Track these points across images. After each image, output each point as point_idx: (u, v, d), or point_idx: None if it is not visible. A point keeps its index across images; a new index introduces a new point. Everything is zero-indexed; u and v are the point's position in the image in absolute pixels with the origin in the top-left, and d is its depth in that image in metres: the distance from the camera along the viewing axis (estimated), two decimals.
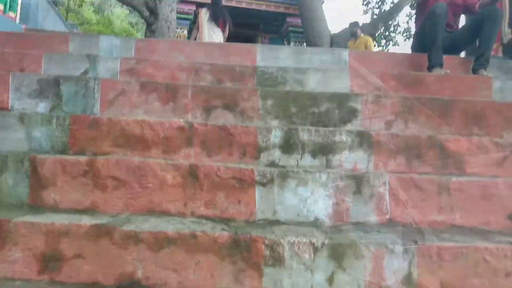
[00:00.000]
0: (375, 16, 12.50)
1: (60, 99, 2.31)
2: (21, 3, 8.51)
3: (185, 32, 8.41)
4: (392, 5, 11.82)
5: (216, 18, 6.25)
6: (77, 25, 13.06)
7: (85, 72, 2.69)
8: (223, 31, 6.44)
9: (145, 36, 7.20)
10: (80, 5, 14.87)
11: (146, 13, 6.98)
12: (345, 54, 3.10)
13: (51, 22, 9.90)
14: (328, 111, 2.35)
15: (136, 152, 1.98)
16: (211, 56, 3.10)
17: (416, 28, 3.42)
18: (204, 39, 6.01)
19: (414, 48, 3.37)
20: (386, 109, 2.37)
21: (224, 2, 8.51)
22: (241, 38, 10.20)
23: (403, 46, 16.66)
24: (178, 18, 8.31)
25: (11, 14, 3.94)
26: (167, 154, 1.98)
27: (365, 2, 12.37)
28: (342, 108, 2.35)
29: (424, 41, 3.07)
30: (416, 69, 3.11)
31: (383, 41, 12.97)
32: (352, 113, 2.35)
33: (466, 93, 2.67)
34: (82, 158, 1.73)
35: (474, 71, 2.91)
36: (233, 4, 8.57)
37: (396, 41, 13.33)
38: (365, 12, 13.22)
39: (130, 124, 1.99)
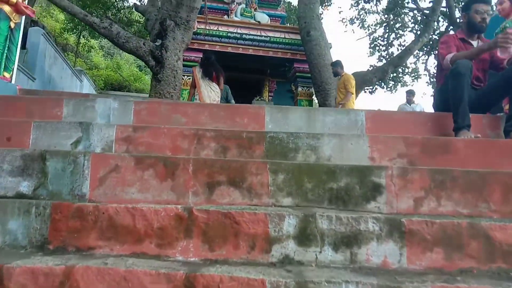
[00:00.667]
0: (382, 58, 12.48)
1: (46, 177, 2.05)
2: (28, 51, 8.58)
3: (192, 79, 8.31)
4: (401, 50, 11.83)
5: (209, 73, 6.51)
6: (85, 71, 13.16)
7: (77, 142, 2.45)
8: (218, 84, 6.67)
9: (151, 85, 7.09)
10: (89, 50, 15.09)
11: (152, 62, 6.90)
12: (361, 114, 2.85)
13: (58, 69, 9.94)
14: (348, 186, 2.06)
15: (126, 246, 1.69)
16: (216, 118, 2.87)
17: (437, 84, 3.18)
18: (203, 97, 6.28)
19: (437, 106, 3.12)
20: (415, 184, 2.08)
21: (231, 50, 8.50)
22: (248, 83, 10.14)
23: (411, 86, 16.53)
24: (185, 65, 8.25)
25: (6, 74, 3.78)
26: (162, 249, 1.69)
27: (372, 45, 12.37)
28: (364, 183, 2.06)
29: (447, 100, 2.82)
30: (441, 131, 2.84)
31: (391, 83, 12.87)
32: (376, 189, 2.06)
33: (500, 162, 2.37)
34: (58, 266, 1.44)
35: (506, 133, 2.63)
36: (240, 50, 8.52)
37: (405, 81, 13.22)
38: (372, 53, 13.23)
39: (120, 213, 1.72)
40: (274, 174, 2.07)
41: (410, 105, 8.20)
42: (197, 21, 8.14)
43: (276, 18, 10.53)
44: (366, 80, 8.10)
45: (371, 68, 12.29)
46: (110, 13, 14.20)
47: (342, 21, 15.37)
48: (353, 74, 8.31)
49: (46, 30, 14.09)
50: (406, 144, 2.46)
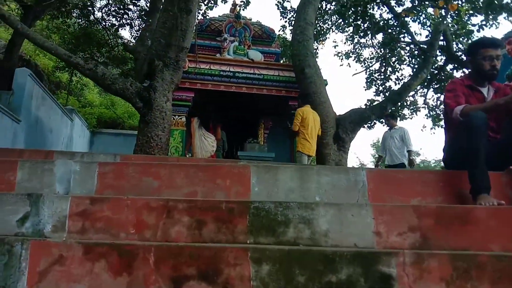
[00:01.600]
0: (379, 93, 12.26)
1: None
2: (14, 93, 8.29)
3: (184, 119, 8.00)
4: (398, 83, 11.61)
5: (206, 124, 6.84)
6: (77, 110, 12.87)
7: (25, 218, 2.04)
8: (215, 134, 6.97)
9: (139, 127, 6.75)
10: (82, 88, 14.88)
11: (139, 104, 6.59)
12: (362, 174, 2.46)
13: (47, 109, 9.64)
14: (350, 279, 1.65)
15: None
16: (194, 181, 2.48)
17: (446, 136, 2.80)
18: (195, 147, 6.59)
19: (449, 162, 2.73)
20: (433, 273, 1.67)
21: (223, 88, 8.24)
22: (243, 121, 9.84)
23: (410, 119, 16.26)
24: (176, 105, 7.96)
25: None
26: None
27: (368, 80, 12.19)
28: (370, 274, 1.65)
29: (460, 156, 2.44)
30: (455, 192, 2.45)
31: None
32: (385, 281, 1.64)
33: None
34: None
35: None
36: (233, 89, 8.25)
37: (404, 115, 12.93)
38: (368, 87, 13.02)
39: None
40: (257, 264, 1.66)
41: (390, 130, 7.85)
42: (188, 60, 7.92)
43: (270, 55, 10.35)
44: (364, 118, 7.77)
45: (368, 102, 12.08)
46: (104, 50, 14.12)
47: (337, 55, 15.28)
48: (350, 111, 8.02)
49: (38, 68, 13.94)
50: (417, 214, 2.06)
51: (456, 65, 9.13)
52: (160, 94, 6.61)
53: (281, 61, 18.91)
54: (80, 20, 13.23)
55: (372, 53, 14.22)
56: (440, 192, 2.46)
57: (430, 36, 9.07)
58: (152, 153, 6.48)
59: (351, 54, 14.61)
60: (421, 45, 8.98)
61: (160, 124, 6.56)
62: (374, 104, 8.03)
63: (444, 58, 9.18)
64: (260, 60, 8.83)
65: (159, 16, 7.15)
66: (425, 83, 10.99)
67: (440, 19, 7.93)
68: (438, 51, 9.12)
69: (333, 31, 16.79)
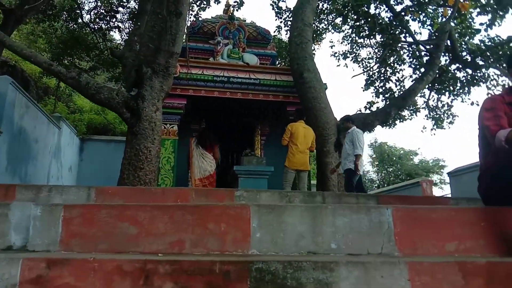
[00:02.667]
0: (379, 94, 11.84)
1: None
2: None
3: (175, 127, 7.54)
4: (398, 85, 11.18)
5: (203, 143, 6.77)
6: (65, 117, 12.35)
7: None
8: (213, 153, 6.85)
9: (127, 139, 6.28)
10: (70, 94, 14.36)
11: (127, 114, 6.12)
12: (387, 214, 2.02)
13: (31, 119, 9.13)
14: None
15: None
16: (180, 226, 2.02)
17: (482, 162, 2.35)
18: (193, 167, 6.61)
19: (489, 197, 2.28)
20: None
21: (217, 94, 7.78)
22: (238, 127, 9.38)
23: (410, 121, 15.80)
24: (167, 113, 7.50)
25: None
26: None
27: (368, 82, 11.77)
28: None
29: (504, 189, 2.01)
30: (500, 235, 2.01)
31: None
32: None
33: None
34: None
35: None
36: (228, 95, 7.81)
37: (403, 116, 12.50)
38: (366, 88, 12.59)
39: None
40: None
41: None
42: (180, 65, 7.46)
43: (266, 57, 9.90)
44: (367, 124, 7.36)
45: (368, 105, 11.67)
46: (93, 54, 13.61)
47: (334, 55, 14.85)
48: (352, 116, 7.59)
49: (25, 74, 13.41)
50: (463, 273, 1.62)
51: (460, 66, 8.74)
52: (149, 103, 6.15)
53: (277, 63, 18.53)
54: (67, 24, 12.70)
55: (370, 53, 13.84)
56: (482, 234, 2.02)
57: (433, 36, 8.67)
58: (141, 166, 6.03)
59: (348, 55, 14.20)
60: (424, 45, 8.58)
61: (149, 135, 6.10)
62: (377, 109, 7.60)
63: (448, 58, 8.78)
64: (256, 63, 8.38)
65: (148, 19, 6.69)
66: (428, 86, 10.60)
67: (445, 18, 7.53)
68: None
69: (329, 31, 16.41)
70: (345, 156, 6.42)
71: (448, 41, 7.99)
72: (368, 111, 11.54)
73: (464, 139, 57.86)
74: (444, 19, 8.36)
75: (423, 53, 9.93)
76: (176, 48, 6.23)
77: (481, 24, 7.69)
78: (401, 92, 10.80)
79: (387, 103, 8.24)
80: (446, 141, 54.53)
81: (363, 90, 13.01)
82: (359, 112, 10.43)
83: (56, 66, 6.11)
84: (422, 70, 10.37)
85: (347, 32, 14.37)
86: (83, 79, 6.03)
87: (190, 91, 7.60)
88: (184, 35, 6.49)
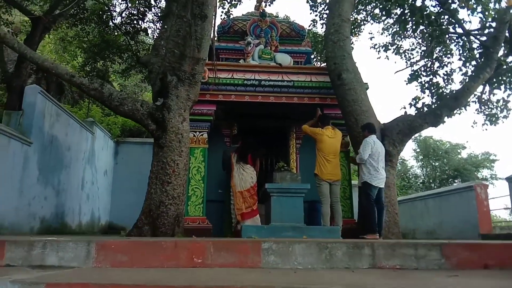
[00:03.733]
0: (425, 90, 10.91)
1: None
2: (24, 113, 7.69)
3: (205, 135, 7.13)
4: (446, 79, 10.21)
5: (244, 156, 6.77)
6: (100, 120, 12.29)
7: None
8: (254, 165, 6.85)
9: (153, 152, 5.93)
10: None
11: (152, 126, 5.76)
12: None
13: (62, 126, 9.04)
14: None
15: None
16: None
17: None
18: (234, 181, 6.67)
19: None
20: None
21: (248, 99, 7.30)
22: (271, 130, 8.86)
23: (458, 115, 14.54)
24: (196, 120, 7.11)
25: None
26: None
27: (412, 76, 10.85)
28: None
29: None
30: None
31: None
32: None
33: None
34: None
35: None
36: (259, 99, 7.30)
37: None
38: (410, 81, 11.65)
39: None
40: None
41: None
42: (208, 69, 7.02)
43: (301, 55, 9.28)
44: (414, 127, 6.63)
45: (413, 101, 10.79)
46: (126, 56, 13.48)
47: (374, 47, 13.93)
48: (398, 119, 6.89)
49: (59, 80, 13.49)
50: None
51: None
52: (175, 114, 5.76)
53: (313, 59, 17.77)
54: (99, 27, 12.58)
55: (414, 44, 12.83)
56: None
57: (485, 25, 7.73)
58: (169, 180, 5.68)
59: (389, 46, 13.25)
60: (477, 37, 7.68)
61: (176, 148, 5.72)
62: (426, 111, 6.84)
63: (506, 50, 7.80)
64: (289, 64, 7.80)
65: (173, 23, 6.27)
66: (473, 74, 9.58)
67: (503, 7, 6.62)
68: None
69: (368, 22, 15.46)
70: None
71: (507, 32, 7.06)
72: (413, 109, 10.70)
73: None
74: (499, 7, 7.41)
75: (474, 45, 8.96)
76: (202, 53, 5.79)
77: None
78: (453, 91, 9.88)
79: (438, 104, 7.42)
80: (497, 133, 50.92)
81: (406, 83, 12.10)
82: (403, 114, 9.62)
83: (78, 78, 5.83)
84: (474, 63, 9.41)
85: (388, 23, 13.45)
86: (106, 91, 5.73)
87: (220, 97, 7.16)
88: (211, 39, 6.03)
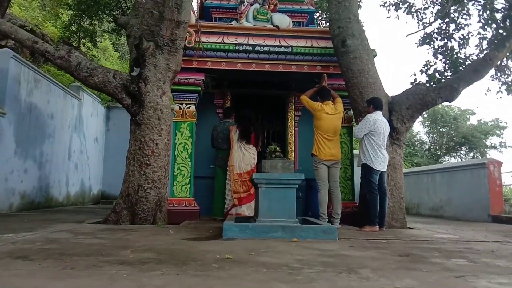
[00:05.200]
0: (437, 55, 9.98)
1: None
2: None
3: (193, 107, 6.41)
4: (462, 42, 9.27)
5: (247, 134, 6.07)
6: (83, 87, 11.53)
7: None
8: (256, 145, 6.18)
9: (130, 129, 5.27)
10: (92, 59, 13.45)
11: (127, 100, 5.07)
12: None
13: (43, 93, 8.34)
14: None
15: None
16: None
17: None
18: (233, 159, 6.01)
19: None
20: None
21: (241, 67, 6.50)
22: (268, 99, 8.10)
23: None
24: (182, 91, 6.38)
25: None
26: None
27: (425, 40, 9.91)
28: None
29: None
30: None
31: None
32: None
33: None
34: None
35: None
36: (253, 67, 6.49)
37: None
38: (421, 44, 10.69)
39: None
40: None
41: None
42: (195, 31, 6.18)
43: (303, 15, 8.34)
44: (426, 102, 5.86)
45: (425, 68, 9.94)
46: (116, 13, 12.48)
47: (384, 5, 12.79)
48: (407, 91, 6.13)
49: (46, 38, 12.59)
50: None
51: None
52: (153, 86, 5.04)
53: (318, 18, 16.55)
54: None
55: (427, 2, 11.70)
56: None
57: None
58: (148, 162, 5.06)
59: (401, 5, 12.13)
60: None
61: (155, 125, 5.06)
62: (441, 83, 6.02)
63: None
64: (288, 26, 6.91)
65: None
66: (496, 41, 8.64)
67: None
68: None
69: None
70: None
71: None
72: (424, 76, 9.85)
73: None
74: None
75: (498, 5, 7.96)
76: (184, 15, 4.98)
77: None
78: (468, 57, 8.98)
79: (455, 75, 6.56)
80: (508, 99, 49.48)
81: (417, 46, 11.13)
82: (415, 83, 8.80)
83: (41, 44, 5.07)
84: (494, 26, 8.43)
85: None
86: (74, 59, 4.98)
87: (209, 64, 6.35)
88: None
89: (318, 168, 5.50)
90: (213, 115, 7.60)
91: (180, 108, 6.35)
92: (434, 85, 7.37)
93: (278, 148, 4.55)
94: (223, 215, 6.02)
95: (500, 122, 20.95)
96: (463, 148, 21.37)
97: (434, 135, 21.89)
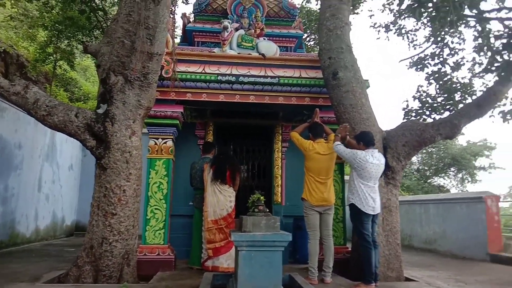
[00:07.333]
0: (431, 80, 9.62)
1: None
2: None
3: (170, 143, 5.83)
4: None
5: (221, 173, 5.34)
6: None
7: None
8: (233, 185, 5.43)
9: (95, 174, 4.65)
10: (67, 83, 12.82)
11: (91, 142, 4.46)
12: None
13: (9, 122, 7.69)
14: None
15: None
16: None
17: None
18: (208, 204, 5.31)
19: None
20: None
21: (223, 98, 5.97)
22: (255, 129, 7.57)
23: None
24: (157, 124, 5.81)
25: None
26: None
27: (417, 62, 9.56)
28: None
29: None
30: None
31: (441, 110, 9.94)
32: None
33: None
34: None
35: None
36: (237, 99, 5.97)
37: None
38: (412, 66, 10.32)
39: None
40: None
41: None
42: (174, 60, 5.65)
43: (291, 39, 7.90)
44: (424, 139, 5.40)
45: (418, 94, 9.60)
46: (95, 34, 11.93)
47: (373, 26, 12.51)
48: (403, 126, 5.64)
49: (21, 59, 11.94)
50: None
51: None
52: (122, 126, 4.46)
53: (306, 40, 16.19)
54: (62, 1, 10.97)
55: (418, 24, 11.41)
56: None
57: None
58: (113, 211, 4.45)
59: (391, 26, 11.84)
60: (485, 17, 6.37)
61: (122, 170, 4.46)
62: (441, 119, 5.57)
63: None
64: (275, 54, 6.43)
65: (122, 4, 4.87)
66: (493, 68, 8.29)
67: None
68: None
69: None
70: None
71: None
72: (417, 102, 9.47)
73: None
74: None
75: (493, 31, 7.62)
76: (157, 47, 4.44)
77: None
78: (461, 82, 8.63)
79: (456, 111, 6.11)
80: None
81: (408, 68, 10.78)
82: (408, 119, 8.41)
83: None
84: (489, 54, 8.09)
85: (391, 0, 12.01)
86: (31, 96, 4.38)
87: (188, 95, 5.80)
88: (166, 30, 4.63)
89: (309, 214, 4.94)
90: (194, 147, 6.99)
91: (156, 143, 5.76)
92: (433, 121, 6.94)
93: (262, 198, 3.98)
94: (201, 265, 5.40)
95: (489, 143, 20.77)
96: (452, 169, 21.09)
97: (423, 156, 21.59)
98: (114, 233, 4.43)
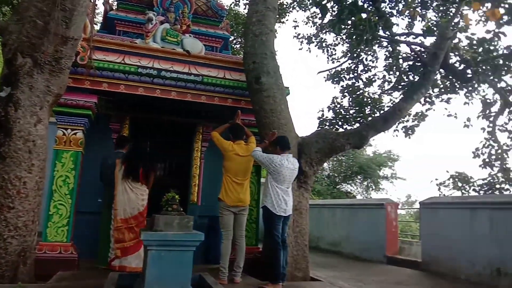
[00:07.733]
0: (345, 94, 10.30)
1: None
2: None
3: (80, 134, 5.47)
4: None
5: (134, 170, 5.08)
6: None
7: None
8: (147, 183, 5.21)
9: None
10: None
11: None
12: None
13: None
14: None
15: None
16: None
17: None
18: (118, 203, 5.06)
19: None
20: None
21: (142, 91, 5.77)
22: (175, 126, 7.40)
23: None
24: (67, 113, 5.42)
25: None
26: None
27: (334, 76, 10.16)
28: None
29: None
30: None
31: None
32: None
33: None
34: None
35: None
36: (157, 93, 5.81)
37: None
38: (329, 78, 10.96)
39: None
40: None
41: None
42: (91, 47, 5.32)
43: (217, 40, 7.89)
44: (335, 147, 5.75)
45: (332, 105, 10.20)
46: (2, 10, 10.77)
47: (297, 37, 13.05)
48: (317, 134, 5.95)
49: None
50: None
51: (449, 76, 7.28)
52: (26, 112, 4.09)
53: (232, 43, 16.32)
54: None
55: (337, 39, 12.15)
56: None
57: (425, 34, 7.11)
58: (11, 205, 4.06)
59: (313, 39, 12.45)
60: (413, 46, 7.05)
61: (24, 160, 4.09)
62: (350, 130, 6.02)
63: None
64: (200, 52, 6.37)
65: None
66: (399, 87, 9.15)
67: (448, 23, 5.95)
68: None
69: (294, 8, 14.58)
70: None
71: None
72: (332, 112, 10.07)
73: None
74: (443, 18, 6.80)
75: (402, 53, 8.42)
76: (73, 31, 4.15)
77: (487, 31, 6.24)
78: (372, 97, 9.35)
79: (365, 123, 6.65)
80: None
81: (325, 80, 11.43)
82: (322, 127, 8.89)
83: None
84: (397, 73, 8.92)
85: (315, 13, 12.62)
86: None
87: (104, 85, 5.50)
88: (86, 13, 4.36)
89: (224, 215, 4.98)
90: (108, 140, 6.61)
91: (64, 134, 5.37)
92: (344, 131, 7.41)
93: (177, 196, 3.90)
94: (107, 265, 5.14)
95: (393, 155, 22.79)
96: (359, 177, 22.71)
97: (334, 163, 22.95)
98: (10, 229, 4.04)
